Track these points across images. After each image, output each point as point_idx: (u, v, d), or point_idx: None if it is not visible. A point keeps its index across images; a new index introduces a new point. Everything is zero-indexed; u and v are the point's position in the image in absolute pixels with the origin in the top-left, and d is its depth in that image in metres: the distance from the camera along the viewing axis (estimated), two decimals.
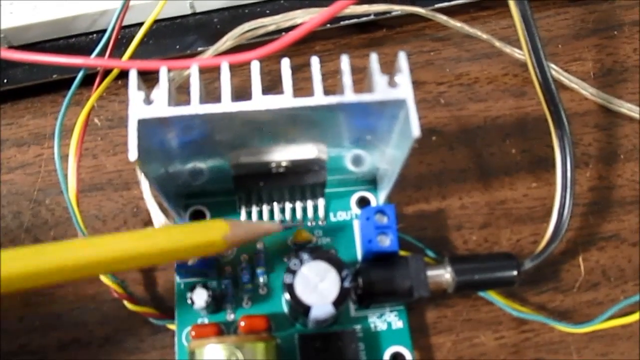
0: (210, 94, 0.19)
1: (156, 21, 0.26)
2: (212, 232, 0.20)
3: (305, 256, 0.21)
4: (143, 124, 0.18)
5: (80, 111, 0.24)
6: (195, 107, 0.18)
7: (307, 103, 0.18)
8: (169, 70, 0.19)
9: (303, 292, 0.20)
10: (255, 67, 0.19)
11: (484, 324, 0.25)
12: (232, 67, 0.19)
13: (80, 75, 0.24)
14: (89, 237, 0.19)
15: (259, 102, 0.18)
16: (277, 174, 0.23)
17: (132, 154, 0.17)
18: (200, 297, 0.22)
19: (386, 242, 0.22)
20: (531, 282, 0.25)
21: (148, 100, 0.18)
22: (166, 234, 0.20)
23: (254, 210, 0.24)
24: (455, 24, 0.28)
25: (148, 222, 0.25)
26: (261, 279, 0.24)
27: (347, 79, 0.19)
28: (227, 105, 0.18)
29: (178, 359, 0.22)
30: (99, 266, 0.19)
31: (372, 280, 0.22)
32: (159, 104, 0.18)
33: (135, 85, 0.18)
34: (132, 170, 0.26)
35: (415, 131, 0.18)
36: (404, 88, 0.18)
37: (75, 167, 0.23)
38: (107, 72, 0.25)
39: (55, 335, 0.24)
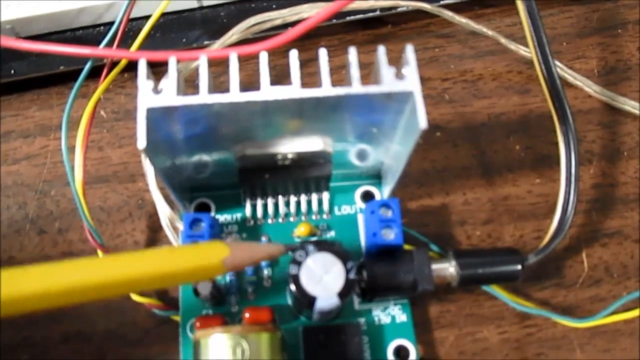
0: (217, 88, 0.19)
1: (163, 15, 0.26)
2: (210, 256, 0.19)
3: (310, 248, 0.21)
4: (151, 113, 0.18)
5: (87, 103, 0.24)
6: (204, 96, 0.18)
7: (315, 94, 0.18)
8: (178, 62, 0.19)
9: (308, 284, 0.20)
10: (263, 58, 0.19)
11: (487, 319, 0.25)
12: (239, 61, 0.19)
13: (87, 66, 0.24)
14: (76, 260, 0.17)
15: (268, 92, 0.18)
16: (283, 167, 0.23)
17: (141, 142, 0.17)
18: (204, 288, 0.22)
19: (391, 235, 0.22)
20: (534, 277, 0.25)
21: (157, 90, 0.18)
22: (159, 258, 0.18)
23: (259, 203, 0.24)
24: (461, 20, 0.28)
25: (153, 214, 0.25)
26: (265, 272, 0.24)
27: (354, 70, 0.19)
28: (235, 95, 0.18)
29: (182, 351, 0.22)
30: (87, 293, 0.17)
31: (376, 274, 0.22)
32: (167, 94, 0.18)
33: (144, 74, 0.18)
34: (138, 163, 0.27)
35: (422, 123, 0.18)
36: (411, 80, 0.19)
37: (81, 158, 0.23)
38: (113, 64, 0.25)
39: (58, 328, 0.24)
